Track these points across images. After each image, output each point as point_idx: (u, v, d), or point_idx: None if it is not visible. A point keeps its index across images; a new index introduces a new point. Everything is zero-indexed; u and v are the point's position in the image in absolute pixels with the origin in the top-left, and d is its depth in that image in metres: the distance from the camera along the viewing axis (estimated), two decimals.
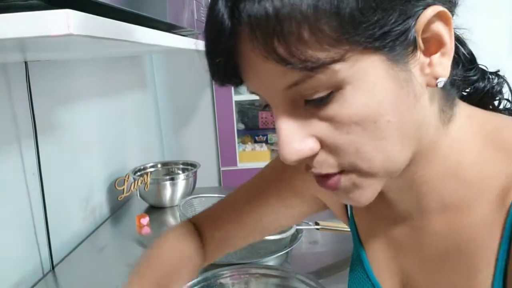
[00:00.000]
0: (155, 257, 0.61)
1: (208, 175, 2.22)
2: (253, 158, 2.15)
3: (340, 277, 0.93)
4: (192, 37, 1.07)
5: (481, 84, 0.44)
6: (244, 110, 2.34)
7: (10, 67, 0.98)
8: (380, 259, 0.51)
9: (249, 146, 2.20)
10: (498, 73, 0.45)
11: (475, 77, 0.43)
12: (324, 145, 0.37)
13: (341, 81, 0.34)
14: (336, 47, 0.32)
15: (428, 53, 0.36)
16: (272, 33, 0.32)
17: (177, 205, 1.29)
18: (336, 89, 0.34)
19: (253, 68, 0.36)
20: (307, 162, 0.38)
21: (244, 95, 2.10)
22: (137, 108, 1.87)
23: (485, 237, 0.39)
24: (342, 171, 0.38)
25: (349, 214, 0.56)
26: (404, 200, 0.45)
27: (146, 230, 1.29)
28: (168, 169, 1.62)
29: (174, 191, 1.43)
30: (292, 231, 0.96)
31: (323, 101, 0.35)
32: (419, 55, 0.35)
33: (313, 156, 0.37)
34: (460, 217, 0.41)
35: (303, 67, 0.33)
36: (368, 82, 0.34)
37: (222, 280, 0.81)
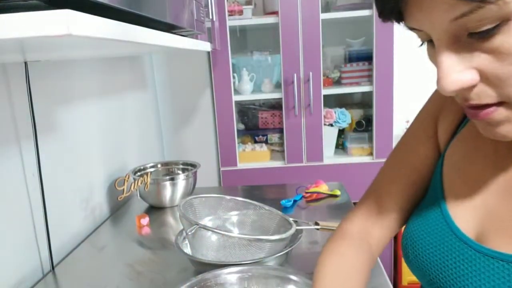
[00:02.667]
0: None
1: (208, 175, 2.22)
2: (253, 158, 2.15)
3: None
4: (192, 37, 1.07)
5: None
6: (244, 110, 2.34)
7: (10, 67, 0.98)
8: (460, 193, 0.50)
9: (249, 146, 2.20)
10: None
11: None
12: (485, 77, 0.38)
13: (510, 12, 0.34)
14: None
15: None
16: None
17: (177, 205, 1.29)
18: (504, 20, 0.34)
19: (421, 2, 0.37)
20: (464, 94, 0.39)
21: (244, 95, 2.10)
22: (137, 108, 1.87)
23: None
24: (499, 103, 0.39)
25: (444, 148, 0.56)
26: None
27: (146, 230, 1.29)
28: (168, 169, 1.62)
29: (174, 191, 1.43)
30: (292, 231, 0.96)
31: (489, 33, 0.35)
32: None
33: (471, 88, 0.38)
34: None
35: (482, 1, 0.33)
36: None
37: (222, 280, 0.81)
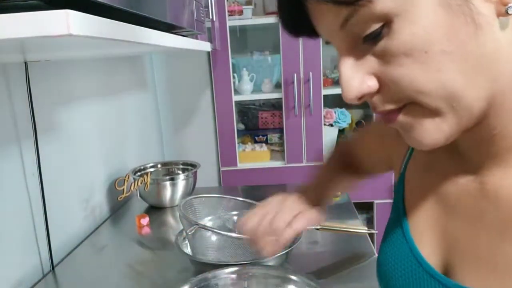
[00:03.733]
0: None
1: (208, 175, 2.22)
2: (253, 158, 2.15)
3: (340, 277, 0.93)
4: (192, 37, 1.07)
5: None
6: (244, 110, 2.34)
7: (10, 67, 0.98)
8: (420, 216, 0.48)
9: (249, 146, 2.20)
10: None
11: None
12: (381, 81, 0.37)
13: (388, 13, 0.34)
14: None
15: None
16: None
17: (177, 205, 1.29)
18: (386, 22, 0.34)
19: (316, 16, 0.39)
20: (367, 100, 0.39)
21: (244, 95, 2.10)
22: (137, 108, 1.87)
23: None
24: (403, 107, 0.38)
25: (402, 169, 0.54)
26: (477, 154, 0.42)
27: (146, 230, 1.29)
28: (168, 169, 1.62)
29: (174, 191, 1.43)
30: None
31: (377, 37, 0.35)
32: None
33: (373, 94, 0.38)
34: None
35: (349, 2, 0.34)
36: (416, 12, 0.33)
37: (222, 281, 0.81)
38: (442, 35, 0.33)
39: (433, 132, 0.37)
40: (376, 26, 0.35)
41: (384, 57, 0.36)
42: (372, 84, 0.37)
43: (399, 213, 0.52)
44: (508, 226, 0.38)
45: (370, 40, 0.36)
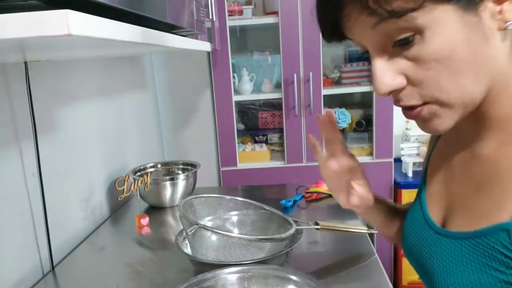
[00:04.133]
0: None
1: (208, 175, 2.22)
2: (253, 158, 2.15)
3: (340, 277, 0.93)
4: (192, 37, 1.07)
5: None
6: (244, 110, 2.34)
7: (10, 67, 0.98)
8: (433, 186, 0.59)
9: (249, 146, 2.20)
10: None
11: None
12: (410, 80, 0.45)
13: (420, 26, 0.42)
14: None
15: (499, 2, 0.43)
16: None
17: (177, 205, 1.29)
18: (417, 32, 0.42)
19: (349, 15, 0.45)
20: (395, 96, 0.47)
21: (244, 95, 2.10)
22: (137, 108, 1.87)
23: None
24: (425, 104, 0.46)
25: (430, 153, 0.65)
26: (471, 132, 0.52)
27: (146, 230, 1.29)
28: (168, 169, 1.62)
29: (174, 191, 1.43)
30: (292, 231, 0.96)
31: (408, 43, 0.43)
32: (488, 4, 0.43)
33: (400, 90, 0.46)
34: (510, 152, 0.48)
35: (390, 16, 0.42)
36: (443, 27, 0.42)
37: (222, 280, 0.81)
38: (462, 45, 0.43)
39: (446, 121, 0.47)
40: (408, 34, 0.43)
41: (415, 61, 0.44)
42: (401, 81, 0.45)
43: (421, 185, 0.63)
44: (487, 180, 0.49)
45: (401, 45, 0.44)
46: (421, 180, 0.65)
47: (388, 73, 0.45)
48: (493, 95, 0.47)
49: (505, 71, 0.46)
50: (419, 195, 0.63)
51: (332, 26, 0.48)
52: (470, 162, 0.53)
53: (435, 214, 0.57)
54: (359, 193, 0.67)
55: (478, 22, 0.43)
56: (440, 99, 0.45)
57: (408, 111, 0.48)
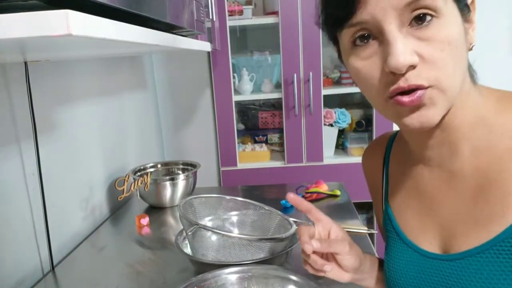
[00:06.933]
0: None
1: (208, 175, 2.22)
2: (253, 158, 2.15)
3: None
4: (192, 37, 1.07)
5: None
6: (244, 110, 2.34)
7: (10, 67, 0.98)
8: (411, 221, 0.60)
9: (249, 146, 2.20)
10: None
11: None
12: (422, 59, 0.47)
13: (439, 9, 0.46)
14: None
15: (469, 23, 0.50)
16: None
17: (177, 205, 1.29)
18: (436, 14, 0.46)
19: None
20: (403, 75, 0.47)
21: (244, 95, 2.10)
22: (137, 108, 1.87)
23: (510, 168, 0.49)
24: (427, 88, 0.47)
25: (384, 180, 0.67)
26: (439, 148, 0.55)
27: (146, 230, 1.29)
28: (168, 169, 1.62)
29: (174, 191, 1.43)
30: (292, 231, 0.96)
31: (425, 23, 0.46)
32: (471, 18, 0.50)
33: (412, 68, 0.47)
34: (487, 156, 0.51)
35: None
36: (452, 19, 0.47)
37: (222, 280, 0.81)
38: (461, 41, 0.48)
39: (438, 113, 0.48)
40: (429, 11, 0.46)
41: (430, 41, 0.46)
42: (417, 59, 0.47)
43: (390, 226, 0.64)
44: (481, 188, 0.51)
45: (417, 25, 0.46)
46: (386, 222, 0.64)
47: (407, 48, 0.46)
48: (458, 102, 0.51)
49: (469, 80, 0.52)
50: (397, 235, 0.62)
51: (346, 3, 0.48)
52: (451, 180, 0.55)
53: (429, 245, 0.57)
54: (347, 266, 0.63)
55: (467, 28, 0.49)
56: (443, 83, 0.47)
57: (408, 95, 0.48)
